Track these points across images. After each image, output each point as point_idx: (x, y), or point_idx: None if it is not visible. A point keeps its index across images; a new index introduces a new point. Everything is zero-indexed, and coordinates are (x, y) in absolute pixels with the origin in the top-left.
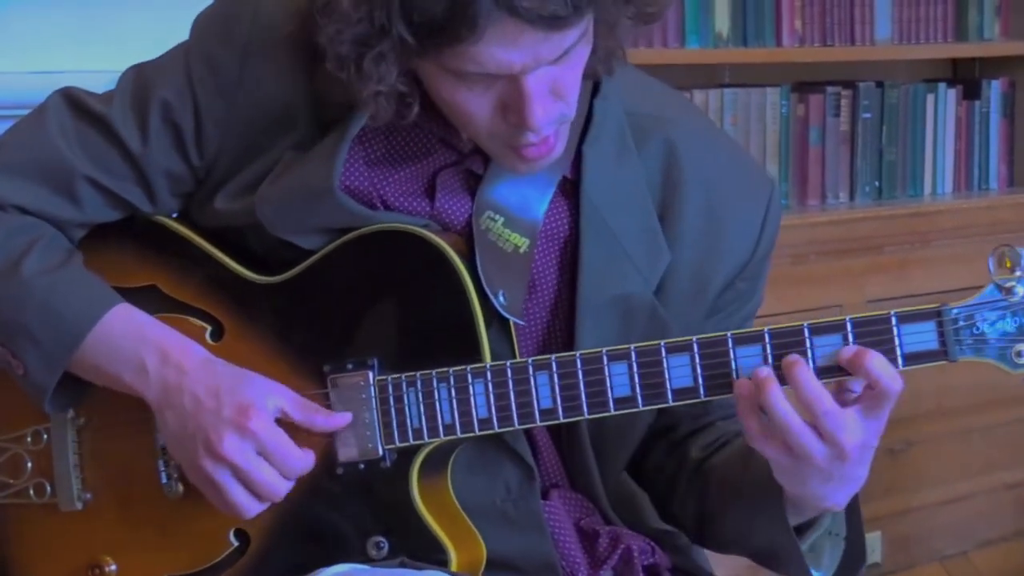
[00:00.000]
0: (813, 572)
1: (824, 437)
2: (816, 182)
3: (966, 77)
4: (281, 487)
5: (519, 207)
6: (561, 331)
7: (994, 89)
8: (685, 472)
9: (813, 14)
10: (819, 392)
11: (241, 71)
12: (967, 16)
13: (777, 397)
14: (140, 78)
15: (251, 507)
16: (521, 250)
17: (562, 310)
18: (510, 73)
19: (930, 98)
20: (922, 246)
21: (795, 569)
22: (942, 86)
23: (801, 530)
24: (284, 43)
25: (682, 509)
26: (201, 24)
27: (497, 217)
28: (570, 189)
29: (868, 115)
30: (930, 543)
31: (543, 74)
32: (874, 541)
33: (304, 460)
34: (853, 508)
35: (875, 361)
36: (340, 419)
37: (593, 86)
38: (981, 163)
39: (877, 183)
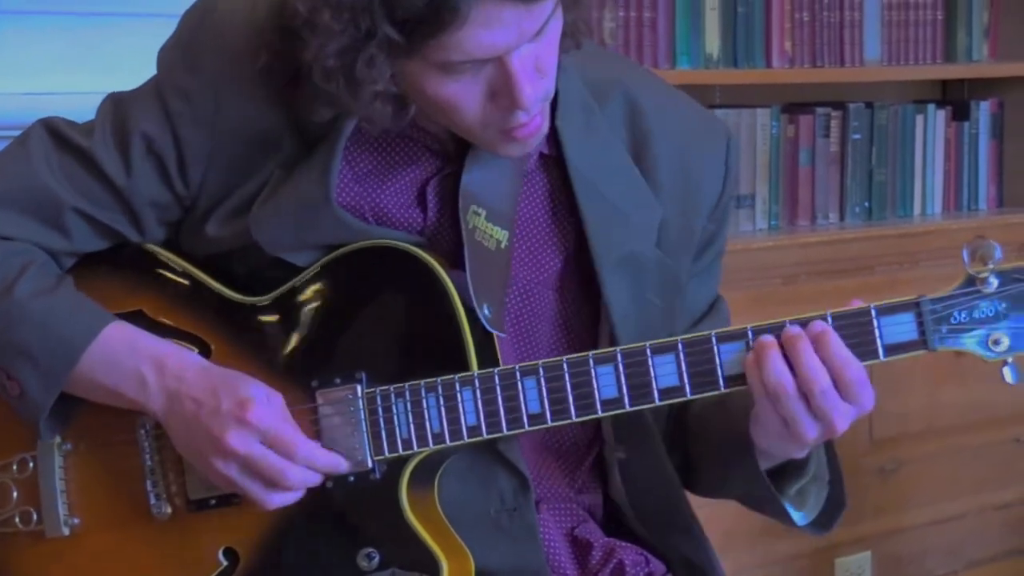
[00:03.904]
0: (796, 513)
1: (818, 416)
2: (806, 202)
3: (955, 98)
4: (291, 473)
5: (497, 197)
6: (573, 300)
7: (983, 110)
8: (671, 419)
9: (803, 36)
10: (818, 370)
11: (217, 100)
12: (956, 37)
13: (776, 358)
14: (119, 111)
15: (269, 498)
16: (502, 245)
17: (569, 280)
18: (496, 55)
19: (919, 119)
20: (912, 266)
21: (777, 515)
22: (931, 107)
23: (790, 474)
24: (252, 68)
25: (669, 456)
26: (166, 57)
27: (480, 211)
28: (552, 165)
29: (858, 136)
30: (920, 563)
31: (526, 52)
32: (864, 561)
33: (310, 448)
34: (832, 453)
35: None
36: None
37: None
38: (970, 184)
39: (867, 203)
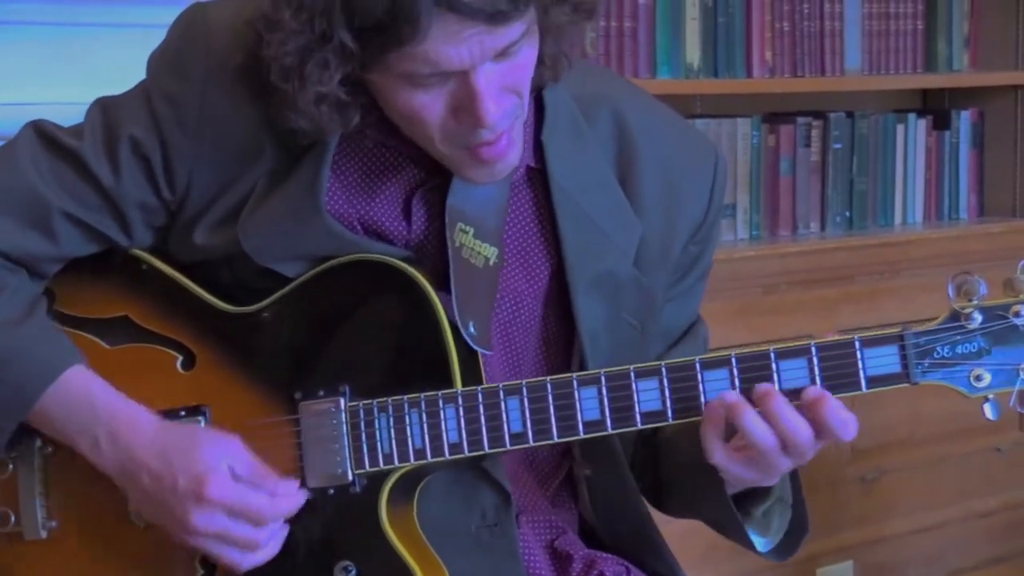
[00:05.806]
0: (760, 539)
1: (792, 455)
2: (787, 212)
3: (936, 108)
4: (262, 536)
5: (484, 213)
6: (554, 316)
7: (963, 120)
8: (640, 440)
9: (783, 45)
10: (796, 424)
11: (202, 105)
12: (936, 47)
13: (752, 419)
14: (107, 114)
15: (246, 560)
16: (491, 262)
17: (553, 295)
18: (460, 68)
19: (900, 128)
20: (892, 276)
21: (742, 540)
22: (912, 116)
23: (758, 496)
24: (239, 77)
25: (640, 477)
26: (156, 62)
27: (468, 228)
28: (537, 178)
29: (839, 145)
30: (902, 572)
31: (493, 72)
32: (846, 570)
33: (276, 504)
34: (795, 476)
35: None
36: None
37: None
38: (951, 193)
39: (848, 213)
